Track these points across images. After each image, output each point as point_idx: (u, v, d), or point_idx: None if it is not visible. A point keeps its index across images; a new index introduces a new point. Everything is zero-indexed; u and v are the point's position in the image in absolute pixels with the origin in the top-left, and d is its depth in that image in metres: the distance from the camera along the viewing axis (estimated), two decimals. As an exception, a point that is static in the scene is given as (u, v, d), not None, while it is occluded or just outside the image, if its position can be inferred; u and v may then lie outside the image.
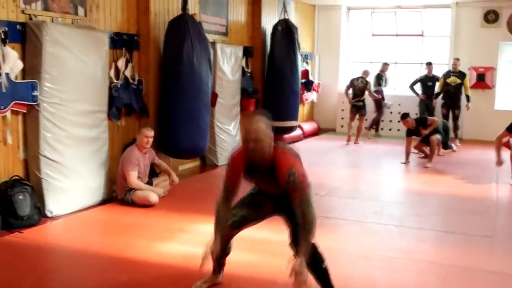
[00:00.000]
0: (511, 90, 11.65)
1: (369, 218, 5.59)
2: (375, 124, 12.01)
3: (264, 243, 4.55)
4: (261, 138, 3.00)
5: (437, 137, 8.47)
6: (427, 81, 11.09)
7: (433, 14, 11.96)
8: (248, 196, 3.48)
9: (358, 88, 10.87)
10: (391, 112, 12.04)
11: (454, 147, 9.70)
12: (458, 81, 10.70)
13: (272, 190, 3.32)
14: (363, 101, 10.91)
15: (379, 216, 5.70)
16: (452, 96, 10.74)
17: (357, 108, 10.90)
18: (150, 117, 6.60)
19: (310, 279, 3.03)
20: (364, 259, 4.34)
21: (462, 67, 10.88)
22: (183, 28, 6.62)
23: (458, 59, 10.83)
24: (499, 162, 7.20)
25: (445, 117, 10.67)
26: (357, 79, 10.94)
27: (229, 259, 3.59)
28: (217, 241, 3.24)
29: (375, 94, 11.35)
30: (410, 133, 8.69)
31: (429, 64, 11.13)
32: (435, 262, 4.32)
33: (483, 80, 11.34)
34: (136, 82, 6.47)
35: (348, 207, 6.12)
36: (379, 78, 11.66)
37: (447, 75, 10.84)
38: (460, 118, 10.91)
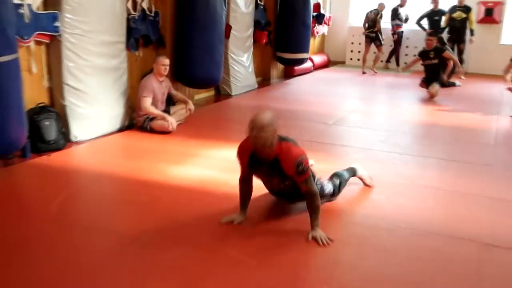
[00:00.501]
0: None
1: (374, 146, 5.63)
2: (391, 57, 11.90)
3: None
4: (264, 127, 2.97)
5: (435, 87, 8.39)
6: (433, 16, 10.86)
7: None
8: None
9: (370, 19, 10.91)
10: (406, 46, 11.82)
11: (457, 83, 9.60)
12: (463, 15, 10.48)
13: (274, 185, 3.42)
14: (376, 32, 10.88)
15: (384, 144, 5.74)
16: (457, 30, 10.56)
17: (371, 39, 10.95)
18: (166, 48, 6.57)
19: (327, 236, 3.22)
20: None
21: (471, 1, 10.60)
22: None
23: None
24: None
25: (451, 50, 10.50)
26: (371, 11, 10.93)
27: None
28: (241, 212, 3.45)
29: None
30: (420, 54, 8.68)
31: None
32: (437, 187, 4.39)
33: (491, 15, 11.08)
34: (153, 14, 6.39)
35: (354, 136, 6.16)
36: (396, 12, 11.39)
37: (453, 10, 10.60)
38: (464, 52, 10.74)
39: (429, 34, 8.82)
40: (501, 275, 2.97)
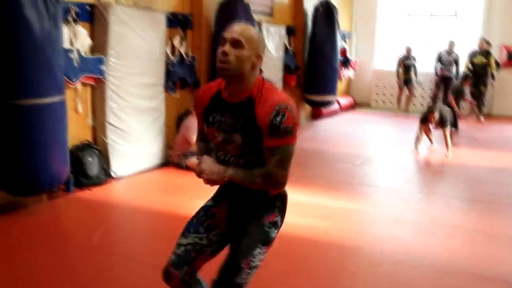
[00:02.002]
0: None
1: (400, 186, 5.59)
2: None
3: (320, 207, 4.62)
4: (242, 42, 1.89)
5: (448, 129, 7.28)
6: (446, 58, 10.82)
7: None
8: (195, 214, 2.28)
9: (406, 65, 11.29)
10: (423, 89, 11.80)
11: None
12: (484, 60, 10.40)
13: (231, 152, 2.06)
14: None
15: (409, 183, 5.70)
16: (479, 74, 10.44)
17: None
18: (202, 90, 6.68)
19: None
20: (395, 222, 4.38)
21: (494, 46, 10.57)
22: (232, 9, 6.65)
23: (484, 39, 10.52)
24: None
25: (473, 94, 10.42)
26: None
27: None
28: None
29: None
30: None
31: (450, 43, 10.77)
32: (460, 226, 4.33)
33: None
34: (189, 58, 6.56)
35: (381, 176, 6.13)
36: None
37: (473, 54, 10.53)
38: (486, 95, 10.63)
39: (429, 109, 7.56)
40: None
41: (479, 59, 10.40)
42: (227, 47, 1.89)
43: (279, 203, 2.10)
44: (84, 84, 5.14)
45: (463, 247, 3.88)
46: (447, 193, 5.44)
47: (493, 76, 10.47)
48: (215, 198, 2.26)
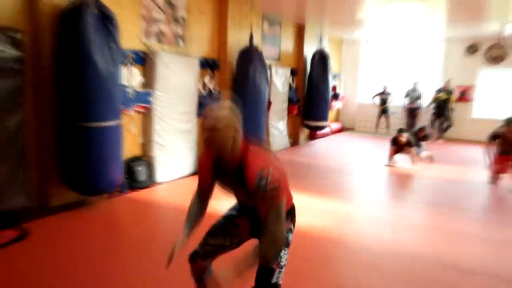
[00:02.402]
0: (485, 103, 11.17)
1: (376, 192, 5.56)
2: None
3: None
4: (219, 127, 1.78)
5: (413, 149, 7.18)
6: (412, 94, 10.90)
7: (429, 46, 11.57)
8: (223, 220, 2.18)
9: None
10: (396, 117, 11.78)
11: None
12: (446, 96, 10.40)
13: (244, 200, 2.02)
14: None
15: (386, 191, 5.67)
16: (442, 107, 10.45)
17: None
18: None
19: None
20: (372, 221, 4.35)
21: (451, 86, 10.58)
22: (249, 55, 6.73)
23: (449, 80, 10.55)
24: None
25: (433, 123, 10.52)
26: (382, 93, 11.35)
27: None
28: (183, 235, 2.05)
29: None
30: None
31: (415, 83, 10.88)
32: (424, 225, 4.30)
33: (464, 96, 10.95)
34: (216, 92, 6.64)
35: (361, 184, 6.11)
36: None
37: (438, 91, 10.54)
38: (445, 124, 10.62)
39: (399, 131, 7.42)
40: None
41: (443, 96, 10.40)
42: (207, 135, 1.80)
43: (290, 217, 2.04)
44: (136, 112, 5.23)
45: (426, 241, 3.86)
46: (413, 198, 5.40)
47: (451, 110, 10.46)
48: (238, 209, 2.15)
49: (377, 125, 11.57)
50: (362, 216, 4.52)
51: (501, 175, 6.06)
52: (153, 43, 5.41)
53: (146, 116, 5.37)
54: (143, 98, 5.18)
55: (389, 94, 11.28)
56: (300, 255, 3.34)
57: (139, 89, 5.16)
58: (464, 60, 10.91)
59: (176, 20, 5.80)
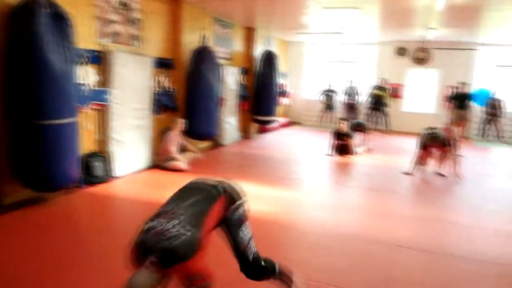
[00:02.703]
0: (413, 98, 11.76)
1: (322, 179, 5.71)
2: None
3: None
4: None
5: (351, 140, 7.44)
6: (350, 91, 11.28)
7: (364, 49, 11.97)
8: None
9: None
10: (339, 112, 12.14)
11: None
12: (381, 93, 10.84)
13: None
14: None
15: (328, 178, 5.83)
16: (377, 102, 10.90)
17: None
18: (180, 113, 6.64)
19: None
20: (317, 205, 4.46)
21: (385, 84, 11.07)
22: (202, 55, 6.64)
23: (383, 79, 10.99)
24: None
25: (370, 116, 10.91)
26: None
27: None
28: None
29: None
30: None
31: (352, 81, 11.26)
32: (362, 207, 4.47)
33: (396, 92, 11.46)
34: (171, 90, 6.51)
35: (307, 172, 6.24)
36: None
37: (374, 88, 10.98)
38: (382, 117, 11.10)
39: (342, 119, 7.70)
40: (405, 266, 3.03)
41: (377, 92, 10.84)
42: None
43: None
44: (93, 109, 5.02)
45: (364, 221, 4.02)
46: (353, 184, 5.60)
47: (386, 105, 10.92)
48: None
49: (321, 119, 11.85)
50: (308, 201, 4.62)
51: (426, 161, 6.34)
52: (108, 43, 5.20)
53: (103, 113, 5.16)
54: (99, 96, 4.97)
55: (333, 91, 11.59)
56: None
57: (95, 87, 4.95)
58: (395, 61, 11.41)
59: (131, 21, 5.60)
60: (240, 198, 2.05)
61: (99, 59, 5.03)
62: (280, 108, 12.14)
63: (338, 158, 7.28)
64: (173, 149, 5.78)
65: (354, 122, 8.58)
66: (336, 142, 7.43)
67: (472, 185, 5.63)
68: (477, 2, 5.78)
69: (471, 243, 3.50)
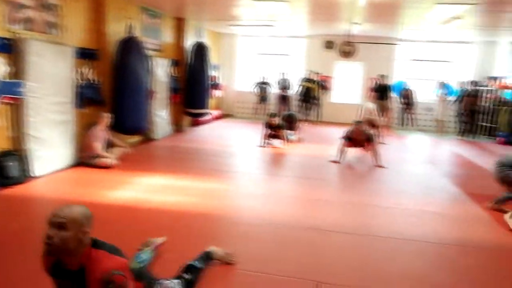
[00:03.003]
0: (341, 90, 12.32)
1: (253, 170, 5.78)
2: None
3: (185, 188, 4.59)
4: (66, 224, 1.62)
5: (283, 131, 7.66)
6: (282, 83, 11.51)
7: (294, 42, 12.27)
8: None
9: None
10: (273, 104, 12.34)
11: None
12: (310, 85, 11.22)
13: None
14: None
15: (259, 169, 5.91)
16: (307, 93, 11.26)
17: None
18: (106, 107, 6.32)
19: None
20: (250, 196, 4.50)
21: (314, 77, 11.46)
22: (129, 45, 6.36)
23: (312, 71, 11.34)
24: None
25: (301, 107, 11.26)
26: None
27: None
28: None
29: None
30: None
31: (283, 74, 11.49)
32: (294, 196, 4.61)
33: (325, 84, 11.89)
34: (96, 82, 6.15)
35: (240, 164, 6.27)
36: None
37: (303, 80, 11.32)
38: (313, 108, 11.52)
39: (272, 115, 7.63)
40: (333, 250, 3.18)
41: (306, 84, 11.18)
42: (51, 231, 1.61)
43: None
44: (4, 103, 4.57)
45: (294, 209, 4.13)
46: (284, 173, 5.74)
47: (315, 97, 11.30)
48: None
49: (256, 111, 11.97)
50: (240, 192, 4.65)
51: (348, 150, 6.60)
52: (20, 30, 4.76)
53: (17, 108, 4.73)
54: (11, 88, 4.54)
55: (267, 83, 11.74)
56: (183, 233, 3.32)
57: (6, 79, 4.52)
58: (323, 54, 11.85)
59: (46, 7, 5.17)
60: None
61: (9, 47, 4.60)
62: (213, 100, 12.07)
63: (270, 149, 7.41)
64: (98, 145, 5.49)
65: (286, 114, 8.81)
66: (268, 133, 7.57)
67: (392, 171, 6.06)
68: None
69: (392, 224, 3.77)
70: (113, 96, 6.40)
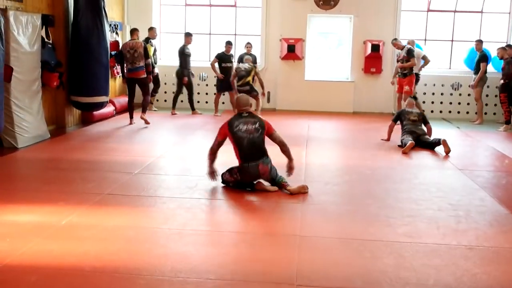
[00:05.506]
0: (319, 61, 12.49)
1: (184, 194, 5.66)
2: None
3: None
4: None
5: None
6: (225, 60, 11.50)
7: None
8: None
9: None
10: (206, 85, 12.28)
11: None
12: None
13: None
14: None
15: (193, 190, 5.80)
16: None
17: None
18: None
19: None
20: (178, 236, 4.41)
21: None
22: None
23: (249, 43, 11.56)
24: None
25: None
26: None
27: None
28: None
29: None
30: None
31: (228, 43, 11.51)
32: (240, 231, 4.61)
33: (293, 51, 11.98)
34: None
35: (163, 184, 6.15)
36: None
37: (240, 59, 11.44)
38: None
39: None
40: None
41: (248, 58, 11.25)
42: None
43: None
44: None
45: (243, 251, 4.11)
46: (229, 197, 5.68)
47: (252, 79, 11.22)
48: None
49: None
50: (162, 231, 4.52)
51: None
52: None
53: None
54: None
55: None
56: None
57: None
58: (290, 4, 11.91)
59: None
60: None
61: None
62: (118, 81, 11.83)
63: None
64: None
65: None
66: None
67: (404, 180, 6.15)
68: None
69: (401, 268, 3.78)
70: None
